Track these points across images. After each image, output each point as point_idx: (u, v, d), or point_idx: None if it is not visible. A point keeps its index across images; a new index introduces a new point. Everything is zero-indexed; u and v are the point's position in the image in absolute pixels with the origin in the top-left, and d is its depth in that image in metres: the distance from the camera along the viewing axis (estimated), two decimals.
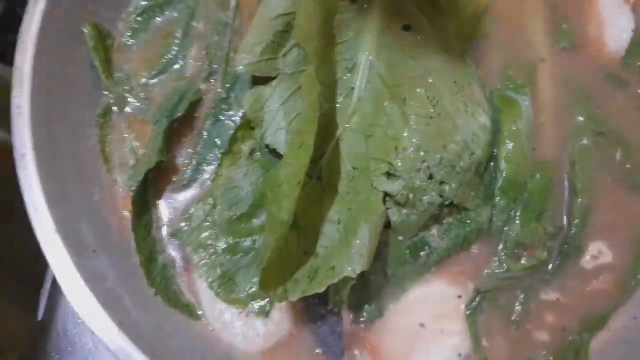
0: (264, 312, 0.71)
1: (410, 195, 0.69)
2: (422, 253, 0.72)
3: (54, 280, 0.92)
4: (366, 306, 0.71)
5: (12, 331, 1.04)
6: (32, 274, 0.96)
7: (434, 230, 0.73)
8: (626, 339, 0.72)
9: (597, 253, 0.73)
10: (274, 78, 0.71)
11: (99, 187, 0.75)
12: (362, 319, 0.72)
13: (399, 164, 0.68)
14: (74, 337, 0.88)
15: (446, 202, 0.70)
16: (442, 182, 0.69)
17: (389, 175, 0.68)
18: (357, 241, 0.64)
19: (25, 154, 0.67)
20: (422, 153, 0.68)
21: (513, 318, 0.72)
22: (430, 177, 0.69)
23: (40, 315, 0.91)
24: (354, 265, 0.63)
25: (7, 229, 1.04)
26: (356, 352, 0.71)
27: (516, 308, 0.72)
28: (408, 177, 0.68)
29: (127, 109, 0.78)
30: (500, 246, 0.72)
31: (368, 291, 0.72)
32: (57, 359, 0.87)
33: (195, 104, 0.76)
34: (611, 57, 0.79)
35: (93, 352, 0.86)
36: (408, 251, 0.72)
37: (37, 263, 0.95)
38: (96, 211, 0.74)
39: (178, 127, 0.76)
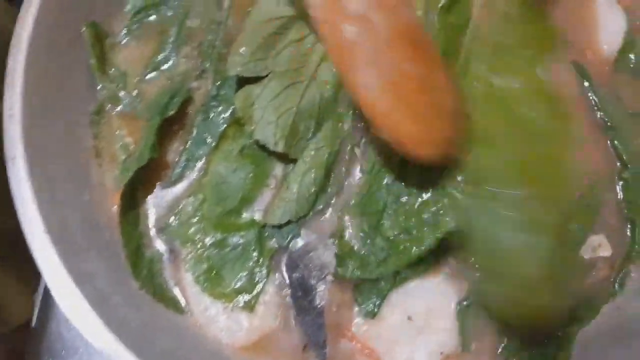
0: (250, 307, 0.71)
1: None
2: None
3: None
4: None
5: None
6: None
7: None
8: (609, 329, 0.70)
9: (597, 245, 0.72)
10: (264, 77, 0.72)
11: (89, 186, 0.75)
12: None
13: None
14: (67, 341, 0.88)
15: None
16: None
17: None
18: None
19: (16, 157, 0.67)
20: None
21: None
22: None
23: (34, 322, 0.91)
24: None
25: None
26: (341, 342, 0.70)
27: None
28: None
29: (120, 107, 0.78)
30: None
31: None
32: None
33: (186, 102, 0.76)
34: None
35: (85, 357, 0.86)
36: None
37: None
38: (86, 210, 0.74)
39: (169, 124, 0.76)
